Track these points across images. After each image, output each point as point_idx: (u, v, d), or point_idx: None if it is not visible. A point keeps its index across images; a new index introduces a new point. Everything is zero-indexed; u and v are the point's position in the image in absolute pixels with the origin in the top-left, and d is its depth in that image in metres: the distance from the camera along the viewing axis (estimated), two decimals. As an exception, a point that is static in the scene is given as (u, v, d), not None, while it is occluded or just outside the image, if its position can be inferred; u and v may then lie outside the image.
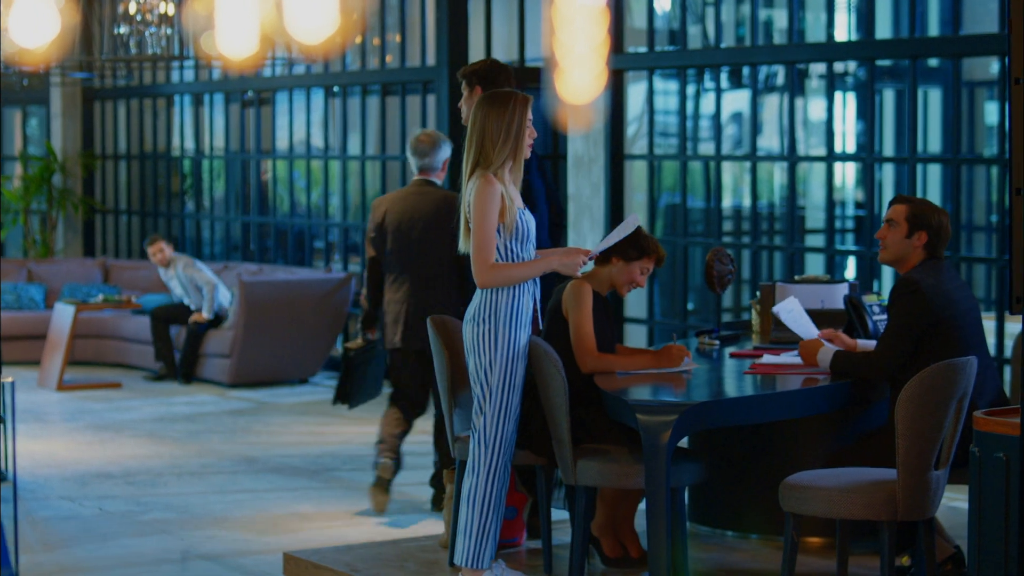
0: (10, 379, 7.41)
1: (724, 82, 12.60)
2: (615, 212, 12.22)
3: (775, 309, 7.20)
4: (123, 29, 12.80)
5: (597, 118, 12.16)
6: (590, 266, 6.88)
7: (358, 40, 14.80)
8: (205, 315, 14.36)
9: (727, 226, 14.02)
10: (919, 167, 12.28)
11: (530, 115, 6.48)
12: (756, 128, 11.70)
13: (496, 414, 6.41)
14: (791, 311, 7.09)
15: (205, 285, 14.44)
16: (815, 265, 12.33)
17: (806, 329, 7.00)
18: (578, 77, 6.53)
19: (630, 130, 12.55)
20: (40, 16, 6.42)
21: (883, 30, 14.16)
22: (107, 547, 8.34)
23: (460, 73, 7.99)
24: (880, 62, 11.38)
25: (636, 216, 6.71)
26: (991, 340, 8.98)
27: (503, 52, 14.93)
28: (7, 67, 13.23)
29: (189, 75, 17.01)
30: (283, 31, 7.57)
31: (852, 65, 14.11)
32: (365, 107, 15.21)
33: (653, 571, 6.09)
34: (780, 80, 14.45)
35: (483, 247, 6.36)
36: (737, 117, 14.17)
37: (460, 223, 6.51)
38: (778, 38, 14.62)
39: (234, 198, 16.78)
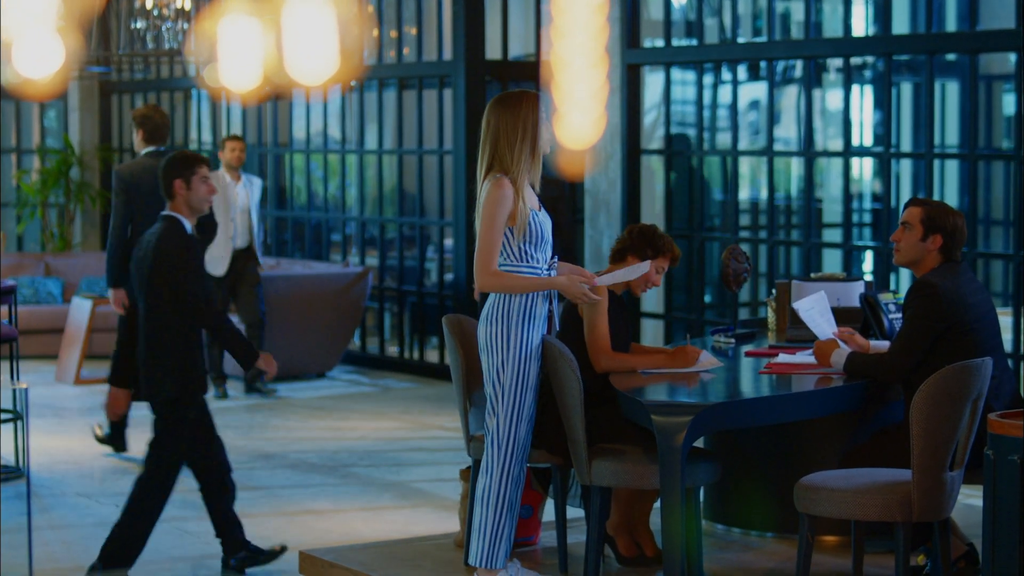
0: (25, 385, 7.47)
1: (741, 74, 12.57)
2: (632, 207, 12.20)
3: (795, 305, 7.18)
4: (140, 24, 12.82)
5: (599, 162, 12.23)
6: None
7: (375, 33, 14.80)
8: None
9: (744, 220, 13.99)
10: (936, 161, 12.24)
11: (543, 111, 6.47)
12: (773, 120, 11.67)
13: (509, 415, 6.41)
14: (810, 309, 7.06)
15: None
16: (832, 260, 12.30)
17: (822, 329, 6.98)
18: (578, 123, 6.54)
19: (648, 118, 12.53)
20: (44, 46, 6.42)
21: (900, 25, 14.12)
22: (124, 544, 8.34)
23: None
24: (897, 56, 11.35)
25: (648, 263, 6.71)
26: (1008, 337, 8.94)
27: (519, 46, 14.94)
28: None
29: (206, 68, 17.03)
30: (284, 73, 7.61)
31: (870, 58, 14.08)
32: (382, 101, 15.20)
33: (668, 570, 6.09)
34: (798, 72, 14.42)
35: (486, 252, 6.36)
36: (756, 104, 14.15)
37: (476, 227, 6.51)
38: (795, 31, 14.59)
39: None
